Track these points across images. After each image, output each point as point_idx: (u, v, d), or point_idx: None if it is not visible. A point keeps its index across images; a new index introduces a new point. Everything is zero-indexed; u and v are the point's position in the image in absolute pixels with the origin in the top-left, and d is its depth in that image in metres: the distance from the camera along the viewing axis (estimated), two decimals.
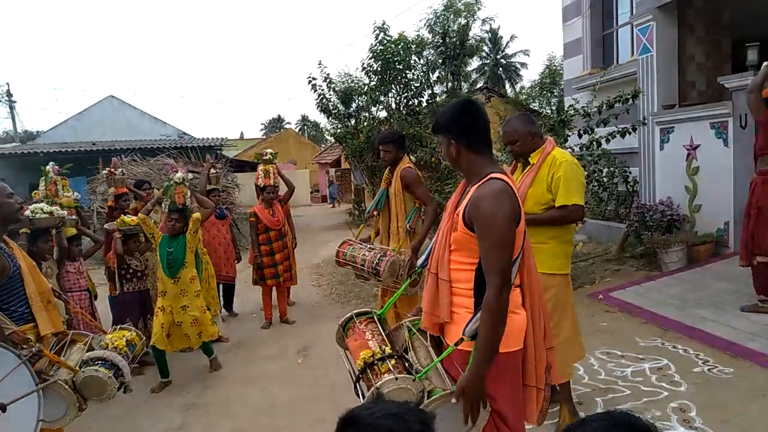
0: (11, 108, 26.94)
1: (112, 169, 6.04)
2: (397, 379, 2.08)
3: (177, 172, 4.98)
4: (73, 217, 4.77)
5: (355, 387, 2.24)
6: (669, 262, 6.30)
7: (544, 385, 2.23)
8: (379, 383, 2.08)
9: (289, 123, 57.12)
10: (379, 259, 3.98)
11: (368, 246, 4.23)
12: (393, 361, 2.18)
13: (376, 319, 2.46)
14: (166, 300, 4.73)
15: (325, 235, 13.77)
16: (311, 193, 27.95)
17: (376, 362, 2.17)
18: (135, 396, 4.20)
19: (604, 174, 7.96)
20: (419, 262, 2.54)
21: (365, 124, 14.12)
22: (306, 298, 7.54)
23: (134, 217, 5.31)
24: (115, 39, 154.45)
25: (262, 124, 60.86)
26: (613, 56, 10.21)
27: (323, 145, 38.67)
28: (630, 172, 8.38)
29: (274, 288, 6.46)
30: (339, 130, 14.73)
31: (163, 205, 4.75)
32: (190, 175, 6.03)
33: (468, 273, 2.11)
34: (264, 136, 47.14)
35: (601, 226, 8.28)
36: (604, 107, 6.53)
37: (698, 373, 3.87)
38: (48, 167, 4.56)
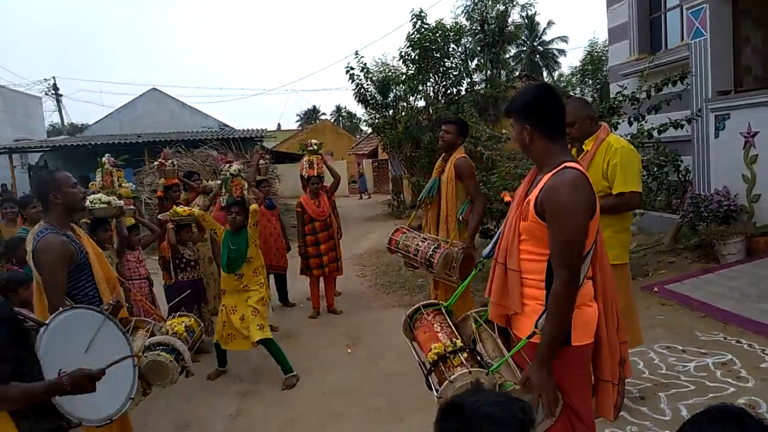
0: (58, 102, 27.86)
1: (163, 161, 6.15)
2: (470, 372, 2.07)
3: (231, 164, 5.01)
4: (132, 207, 4.88)
5: (427, 379, 2.23)
6: (727, 254, 6.08)
7: (617, 379, 2.19)
8: (452, 376, 2.07)
9: (324, 114, 57.36)
10: (433, 251, 3.95)
11: (422, 236, 4.20)
12: (465, 354, 2.17)
13: (443, 311, 2.45)
14: (227, 298, 4.62)
15: (366, 226, 13.82)
16: (349, 184, 28.06)
17: (448, 355, 2.17)
18: (191, 383, 4.30)
19: (654, 163, 7.73)
20: (485, 252, 2.49)
21: (403, 113, 14.06)
22: (351, 289, 7.58)
23: (186, 208, 5.42)
24: (157, 32, 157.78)
25: (297, 115, 61.27)
26: (662, 41, 9.87)
27: (358, 136, 38.76)
28: (682, 161, 8.11)
29: (321, 278, 6.52)
30: (377, 121, 14.71)
31: (221, 199, 4.74)
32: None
33: (539, 264, 2.06)
34: (300, 128, 47.51)
35: (652, 217, 8.04)
36: (653, 91, 6.31)
37: (766, 369, 3.73)
38: (104, 159, 4.67)
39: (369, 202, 21.50)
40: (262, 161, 6.27)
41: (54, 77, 34.91)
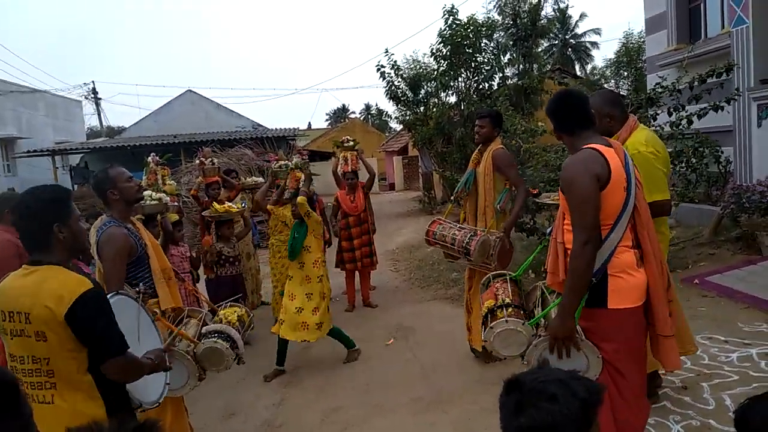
0: (97, 105, 28.64)
1: (203, 159, 6.32)
2: (507, 321, 2.46)
3: (295, 157, 5.23)
4: (175, 203, 5.04)
5: (482, 331, 2.62)
6: None
7: (671, 332, 2.36)
8: (493, 324, 2.48)
9: (354, 112, 57.59)
10: (469, 239, 3.99)
11: (458, 225, 4.24)
12: (510, 310, 2.53)
13: (508, 279, 2.84)
14: (290, 285, 4.77)
15: (398, 222, 13.88)
16: (379, 181, 28.15)
17: (496, 309, 2.55)
18: (232, 373, 4.41)
19: (692, 154, 7.57)
20: (547, 230, 2.84)
21: (434, 110, 14.05)
22: (386, 283, 7.66)
23: (229, 204, 5.59)
24: (191, 34, 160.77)
25: (327, 114, 61.69)
26: (701, 30, 9.64)
27: (387, 134, 38.80)
28: (722, 152, 7.93)
29: (356, 273, 6.61)
30: (408, 117, 14.73)
31: (286, 192, 4.97)
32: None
33: None
34: (330, 126, 47.81)
35: (690, 209, 7.89)
36: (695, 83, 6.19)
37: None
38: (149, 158, 4.83)
39: (400, 198, 21.54)
40: (300, 158, 6.38)
41: (93, 81, 35.95)
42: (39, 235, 1.97)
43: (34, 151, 18.64)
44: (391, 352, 5.07)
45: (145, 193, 4.39)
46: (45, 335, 1.88)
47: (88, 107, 36.92)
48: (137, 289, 2.68)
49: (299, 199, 4.67)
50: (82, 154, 20.65)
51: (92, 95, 28.29)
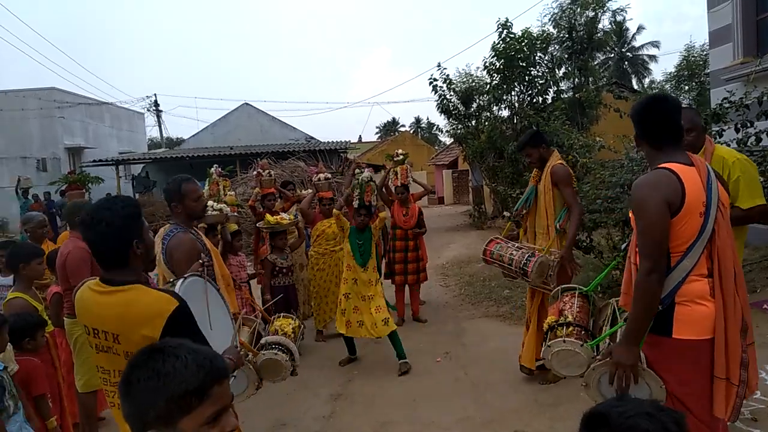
0: (158, 117, 29.90)
1: (261, 171, 6.48)
2: (564, 341, 2.46)
3: (363, 171, 5.36)
4: (235, 214, 5.19)
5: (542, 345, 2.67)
6: None
7: (737, 380, 2.15)
8: (551, 342, 2.49)
9: (403, 125, 57.84)
10: (527, 259, 3.91)
11: (516, 245, 4.17)
12: (570, 329, 2.52)
13: (578, 294, 2.81)
14: (358, 287, 5.00)
15: (447, 237, 13.79)
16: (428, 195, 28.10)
17: (556, 327, 2.55)
18: (283, 385, 4.44)
19: (759, 173, 7.20)
20: (622, 246, 2.82)
21: (486, 123, 13.96)
22: (435, 298, 7.61)
23: (283, 215, 5.70)
24: (247, 49, 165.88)
25: (377, 127, 62.17)
26: None
27: (437, 147, 38.75)
28: None
29: (406, 286, 6.60)
30: (459, 131, 14.69)
31: (355, 202, 5.12)
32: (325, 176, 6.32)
33: None
34: (380, 139, 48.19)
35: (758, 230, 7.48)
36: (765, 98, 5.90)
37: None
38: (212, 169, 5.01)
39: (449, 213, 21.41)
40: (358, 170, 6.47)
41: (155, 94, 37.52)
42: (118, 253, 1.92)
43: (100, 160, 19.59)
44: (441, 368, 5.02)
45: (209, 203, 4.55)
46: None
47: (150, 119, 38.64)
48: (201, 260, 2.61)
49: (383, 214, 5.09)
50: (143, 164, 21.55)
51: (154, 108, 29.57)
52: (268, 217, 5.88)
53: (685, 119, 3.09)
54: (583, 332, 2.51)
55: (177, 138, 37.70)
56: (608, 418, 1.11)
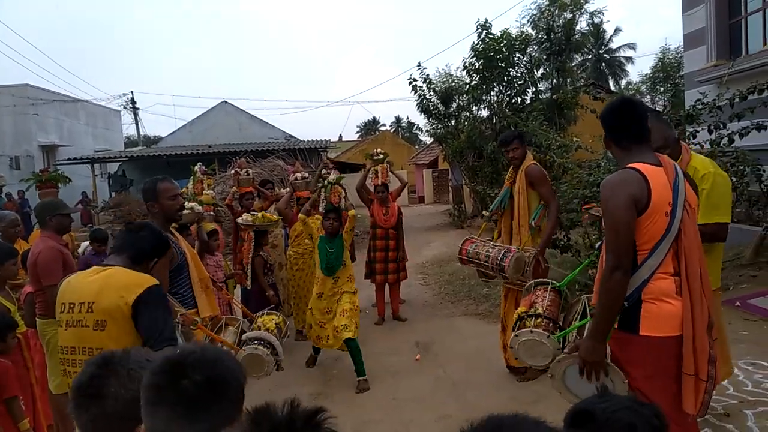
0: (135, 115, 29.42)
1: (238, 170, 6.42)
2: (532, 331, 2.54)
3: (330, 173, 5.24)
4: (211, 213, 5.12)
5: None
6: None
7: (706, 376, 2.19)
8: (518, 332, 2.58)
9: (384, 125, 57.79)
10: (503, 255, 3.95)
11: (492, 243, 4.21)
12: (539, 320, 2.60)
13: (551, 288, 2.88)
14: (321, 301, 4.76)
15: (427, 236, 13.83)
16: (408, 193, 28.12)
17: (525, 317, 2.64)
18: (262, 385, 4.41)
19: (732, 173, 7.37)
20: (597, 245, 2.84)
21: (466, 123, 14.03)
22: (415, 297, 7.63)
23: (267, 213, 5.64)
24: (225, 47, 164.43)
25: (357, 126, 62.02)
26: (742, 46, 9.42)
27: (417, 147, 38.83)
28: (764, 171, 7.69)
29: (386, 285, 6.60)
30: (439, 130, 14.73)
31: (320, 207, 4.97)
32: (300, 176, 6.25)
33: None
34: (360, 138, 48.11)
35: (730, 230, 7.63)
36: (737, 99, 6.04)
37: None
38: (196, 167, 4.93)
39: (429, 212, 21.47)
40: (325, 170, 6.43)
41: (132, 91, 36.95)
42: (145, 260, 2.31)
43: (75, 158, 19.20)
44: (421, 367, 5.04)
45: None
46: (105, 324, 2.03)
47: (127, 117, 38.03)
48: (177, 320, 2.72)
49: (351, 212, 4.80)
50: (120, 163, 21.20)
51: (131, 105, 29.09)
52: (247, 215, 5.82)
53: (657, 137, 3.04)
54: (551, 324, 2.58)
55: (155, 136, 37.17)
56: (593, 414, 1.14)
